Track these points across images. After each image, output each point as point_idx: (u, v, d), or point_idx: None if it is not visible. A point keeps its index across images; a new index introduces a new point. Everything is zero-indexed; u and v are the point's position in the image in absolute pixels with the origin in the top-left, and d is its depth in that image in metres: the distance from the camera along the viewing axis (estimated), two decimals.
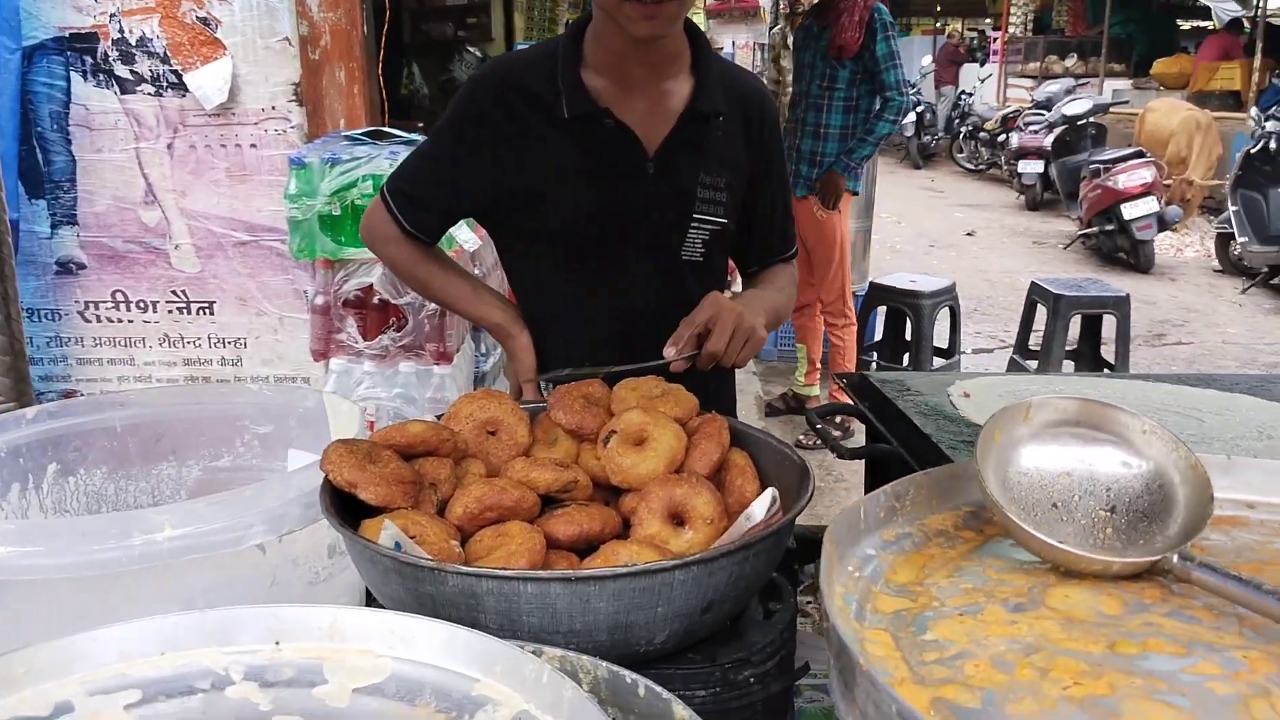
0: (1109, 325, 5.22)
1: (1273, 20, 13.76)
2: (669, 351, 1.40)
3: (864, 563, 0.72)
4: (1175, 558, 0.68)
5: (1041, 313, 5.28)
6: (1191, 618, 0.64)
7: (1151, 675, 0.57)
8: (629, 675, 0.74)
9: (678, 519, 1.07)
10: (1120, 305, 5.06)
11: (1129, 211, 8.49)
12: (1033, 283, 5.52)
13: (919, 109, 16.32)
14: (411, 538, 0.97)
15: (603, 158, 1.57)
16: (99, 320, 3.04)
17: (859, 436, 4.41)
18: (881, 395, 1.43)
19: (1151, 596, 0.68)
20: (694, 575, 0.89)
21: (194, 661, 0.75)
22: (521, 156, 1.59)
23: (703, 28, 7.53)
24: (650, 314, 1.61)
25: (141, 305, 3.02)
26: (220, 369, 3.05)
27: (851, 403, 1.51)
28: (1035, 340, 5.63)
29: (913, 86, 17.43)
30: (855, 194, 4.98)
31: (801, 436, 4.99)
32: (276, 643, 0.77)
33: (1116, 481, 0.77)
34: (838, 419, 1.40)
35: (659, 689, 0.71)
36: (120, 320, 3.03)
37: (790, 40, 5.26)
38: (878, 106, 4.66)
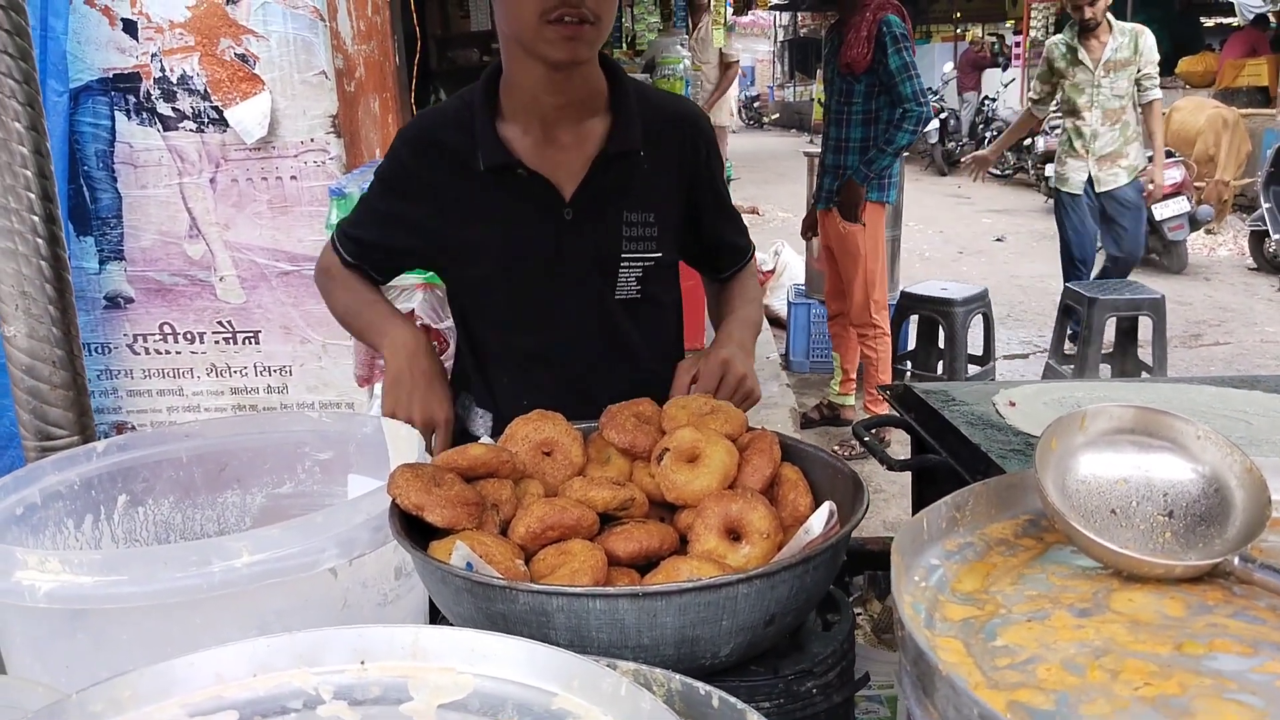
0: (1145, 327, 5.19)
1: None
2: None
3: (929, 572, 0.74)
4: (1236, 560, 0.70)
5: (1077, 316, 5.28)
6: (1256, 618, 0.66)
7: (1220, 675, 0.58)
8: (703, 687, 0.76)
9: (734, 534, 1.09)
10: (1156, 307, 5.04)
11: (1159, 212, 8.40)
12: (1066, 287, 5.51)
13: (942, 115, 16.29)
14: (479, 557, 1.00)
15: (519, 207, 1.60)
16: (147, 352, 3.11)
17: (895, 447, 4.41)
18: (927, 406, 1.44)
19: (1214, 599, 0.69)
20: (757, 589, 0.92)
21: (285, 682, 0.78)
22: (444, 209, 1.63)
23: (721, 43, 7.58)
24: (590, 355, 1.67)
25: (189, 337, 3.09)
26: (266, 397, 3.11)
27: (896, 414, 1.53)
28: (1071, 345, 5.61)
29: (935, 94, 17.43)
30: (886, 204, 4.95)
31: (837, 447, 4.99)
32: (362, 662, 0.80)
33: (1173, 486, 0.78)
34: (872, 429, 1.42)
35: (733, 700, 0.74)
36: (168, 352, 3.10)
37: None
38: (896, 117, 4.61)
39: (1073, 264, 5.89)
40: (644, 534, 1.09)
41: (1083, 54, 5.58)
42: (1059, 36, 5.75)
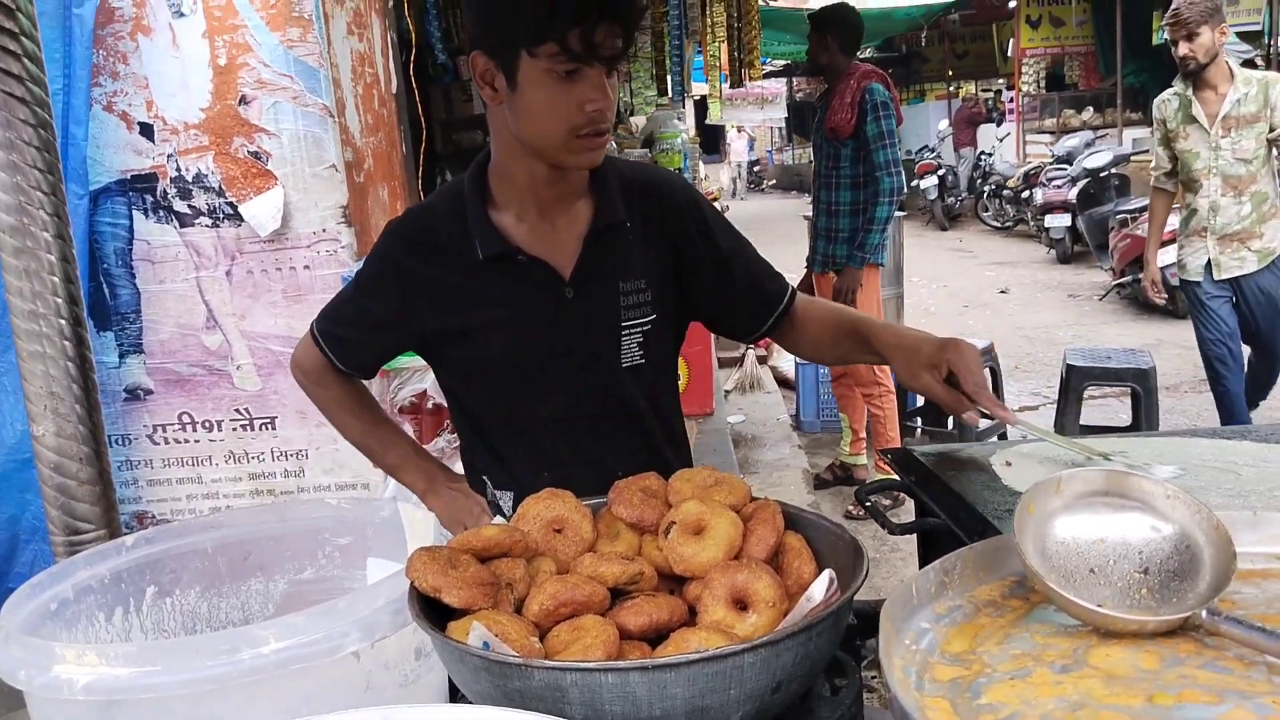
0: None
1: None
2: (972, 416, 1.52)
3: (920, 636, 0.79)
4: (1204, 613, 0.74)
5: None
6: (1224, 668, 0.70)
7: None
8: None
9: (741, 603, 1.13)
10: (1141, 378, 4.97)
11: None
12: (1065, 351, 5.48)
13: (940, 172, 16.53)
14: (496, 636, 1.04)
15: (521, 291, 1.66)
16: (167, 442, 3.17)
17: (910, 505, 4.43)
18: (925, 469, 1.49)
19: (1186, 650, 0.73)
20: (762, 657, 0.95)
21: None
22: (443, 301, 1.68)
23: (717, 114, 7.75)
24: (598, 424, 1.72)
25: (207, 425, 3.16)
26: (284, 481, 3.16)
27: (897, 478, 1.57)
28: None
29: (932, 151, 17.69)
30: (879, 266, 5.06)
31: (851, 508, 5.01)
32: None
33: (1148, 544, 0.82)
34: (874, 493, 1.45)
35: None
36: (187, 441, 3.17)
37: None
38: (873, 191, 4.77)
39: (1210, 365, 4.92)
40: (653, 607, 1.13)
41: (1197, 108, 4.61)
42: (1172, 90, 4.74)
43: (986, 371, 5.38)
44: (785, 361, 7.14)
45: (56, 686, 1.05)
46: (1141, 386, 4.97)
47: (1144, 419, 4.92)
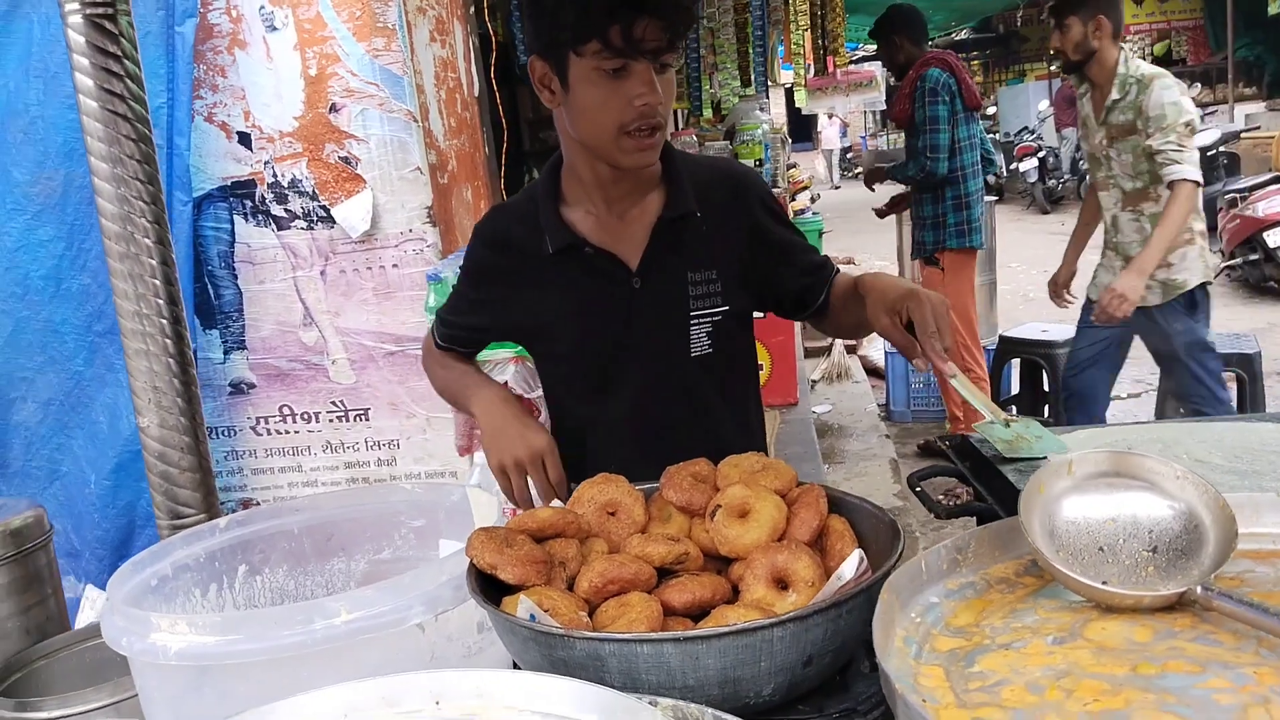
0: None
1: None
2: (920, 364, 1.48)
3: (927, 610, 0.82)
4: (1200, 589, 0.75)
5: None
6: (1215, 641, 0.71)
7: (1165, 691, 0.65)
8: (729, 719, 0.85)
9: (782, 583, 1.18)
10: (1246, 364, 4.77)
11: (1273, 239, 8.13)
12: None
13: (1040, 154, 16.03)
14: (545, 611, 1.11)
15: (590, 285, 1.71)
16: (269, 433, 3.35)
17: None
18: (980, 456, 1.50)
19: (1182, 625, 0.75)
20: (792, 632, 1.00)
21: None
22: (520, 295, 1.76)
23: (803, 101, 7.69)
24: (668, 416, 1.75)
25: (305, 417, 3.32)
26: (377, 469, 3.30)
27: (951, 464, 1.59)
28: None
29: (1032, 133, 17.17)
30: (973, 249, 5.09)
31: (941, 497, 4.96)
32: (436, 702, 0.92)
33: (1158, 524, 0.84)
34: (925, 479, 1.46)
35: None
36: (287, 432, 3.34)
37: None
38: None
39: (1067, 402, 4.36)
40: (697, 585, 1.19)
41: (1087, 110, 4.02)
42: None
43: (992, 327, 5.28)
44: (875, 351, 7.07)
45: (153, 652, 1.16)
46: (1246, 372, 4.78)
47: (1249, 405, 4.74)
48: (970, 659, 0.73)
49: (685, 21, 1.54)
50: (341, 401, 3.29)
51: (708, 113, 7.39)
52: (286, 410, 3.33)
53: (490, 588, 1.18)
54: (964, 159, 4.99)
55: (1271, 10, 14.11)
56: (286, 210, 3.21)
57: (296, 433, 3.33)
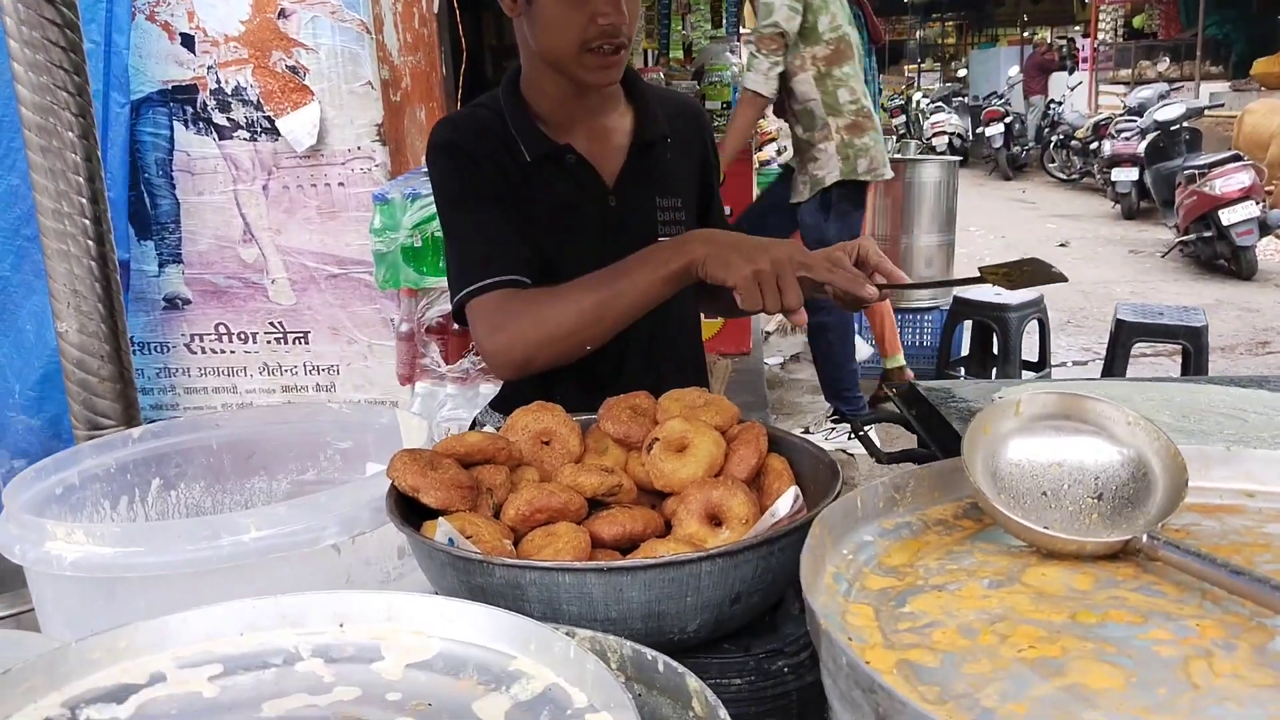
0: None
1: None
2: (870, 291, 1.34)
3: (860, 548, 0.78)
4: (1145, 537, 0.72)
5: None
6: (1158, 591, 0.68)
7: (1104, 640, 0.61)
8: (650, 653, 0.81)
9: (715, 519, 1.14)
10: (1193, 337, 4.84)
11: (1227, 217, 8.22)
12: (1117, 305, 5.37)
13: (1007, 120, 16.05)
14: (468, 537, 1.06)
15: (567, 195, 1.63)
16: (204, 352, 3.25)
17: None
18: (926, 403, 1.47)
19: (1124, 574, 0.72)
20: (720, 567, 0.96)
21: (269, 641, 0.85)
22: (508, 193, 1.63)
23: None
24: (638, 338, 1.68)
25: (242, 337, 3.22)
26: (315, 394, 3.23)
27: (898, 411, 1.56)
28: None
29: (1000, 97, 17.18)
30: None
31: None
32: (340, 625, 0.87)
33: (1105, 470, 0.81)
34: (871, 424, 1.42)
35: (675, 664, 0.78)
36: (223, 351, 3.24)
37: None
38: None
39: None
40: (628, 518, 1.14)
41: None
42: None
43: (1038, 327, 5.36)
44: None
45: (47, 561, 1.09)
46: (1192, 345, 4.83)
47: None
48: (902, 599, 0.70)
49: None
50: (281, 323, 3.20)
51: (676, 53, 7.25)
52: (223, 329, 3.23)
53: (412, 512, 1.12)
54: (870, 90, 5.12)
55: None
56: (229, 119, 3.08)
57: (232, 353, 3.24)
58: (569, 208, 1.64)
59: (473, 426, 1.96)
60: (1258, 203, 8.29)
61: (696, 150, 1.75)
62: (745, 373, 5.24)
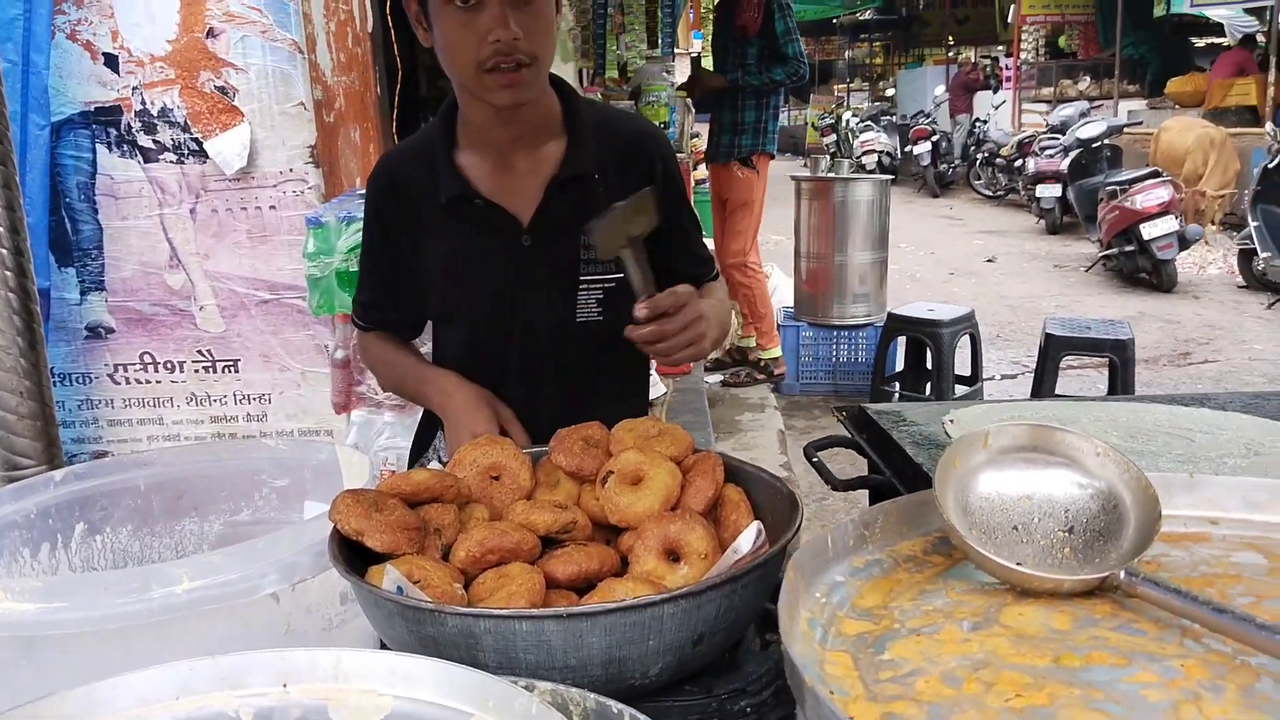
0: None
1: None
2: (640, 311, 1.39)
3: (832, 589, 0.76)
4: (1123, 574, 0.71)
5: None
6: (1137, 630, 0.67)
7: (1090, 685, 0.60)
8: (615, 705, 0.77)
9: (673, 555, 1.11)
10: (1119, 350, 4.96)
11: (1148, 231, 8.48)
12: (1045, 320, 5.48)
13: (934, 138, 16.38)
14: (416, 582, 1.01)
15: (479, 237, 1.62)
16: (128, 382, 3.13)
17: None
18: (877, 426, 1.46)
19: (1102, 612, 0.71)
20: (683, 608, 0.93)
21: (207, 705, 0.80)
22: (416, 244, 1.66)
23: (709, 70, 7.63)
24: (556, 380, 1.67)
25: (169, 366, 3.11)
26: (246, 425, 3.12)
27: (848, 434, 1.55)
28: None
29: (927, 116, 17.54)
30: (772, 156, 5.79)
31: (728, 377, 6.03)
32: (284, 685, 0.82)
33: (1075, 503, 0.80)
34: (823, 449, 1.40)
35: (641, 717, 0.75)
36: (148, 381, 3.12)
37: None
38: (783, 69, 5.52)
39: None
40: (583, 556, 1.11)
41: None
42: None
43: (969, 342, 5.48)
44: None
45: None
46: (1119, 357, 4.95)
47: (1120, 390, 4.92)
48: (880, 645, 0.67)
49: None
50: (209, 351, 3.09)
51: (612, 72, 7.25)
52: (148, 358, 3.11)
53: (356, 555, 1.07)
54: (757, 81, 5.57)
55: (1157, 12, 14.70)
56: (155, 141, 2.98)
57: (158, 383, 3.11)
58: (482, 246, 1.63)
59: (416, 451, 1.91)
60: (1176, 217, 8.56)
61: (641, 182, 1.64)
62: (686, 392, 5.23)
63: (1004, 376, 6.64)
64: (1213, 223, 10.61)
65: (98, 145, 3.00)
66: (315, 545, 1.11)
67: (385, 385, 1.87)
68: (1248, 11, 13.96)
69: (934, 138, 16.41)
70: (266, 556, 1.07)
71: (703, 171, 7.85)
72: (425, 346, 1.94)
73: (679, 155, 6.03)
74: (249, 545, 1.08)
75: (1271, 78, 11.87)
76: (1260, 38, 13.27)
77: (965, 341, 5.64)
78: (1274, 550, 0.81)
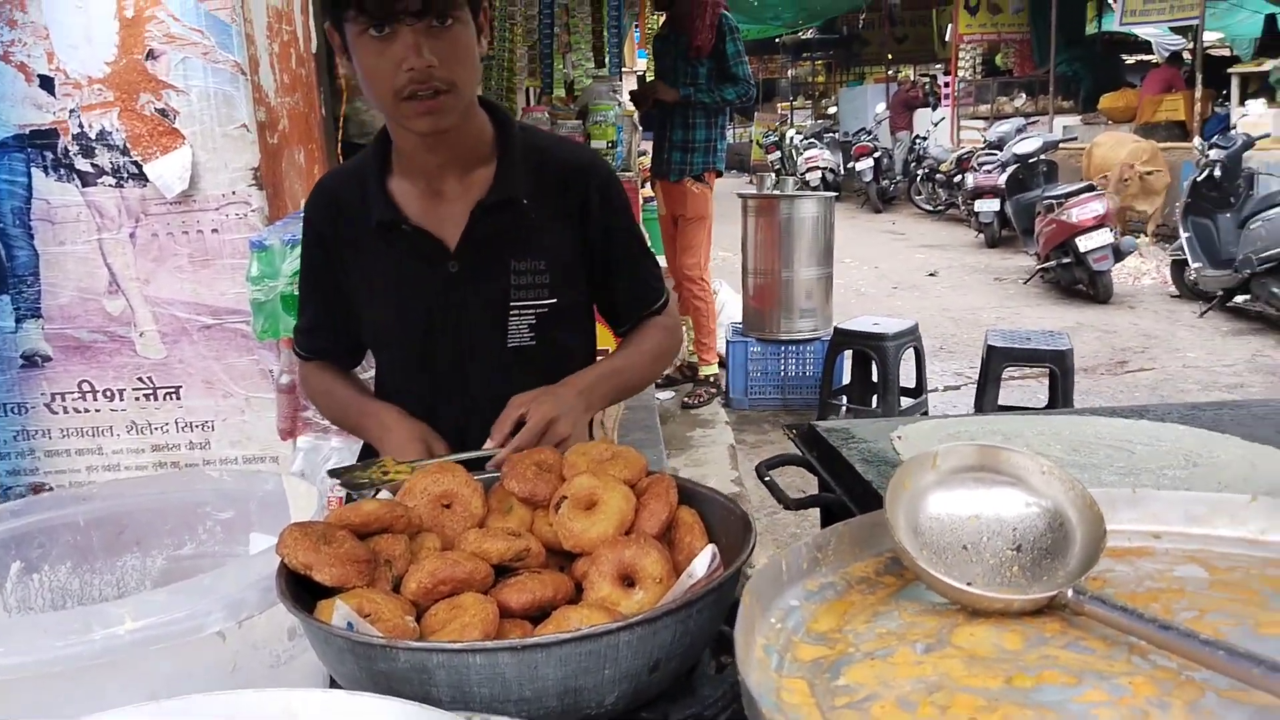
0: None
1: (1211, 52, 14.22)
2: (488, 446, 1.46)
3: (787, 614, 0.76)
4: (1070, 592, 0.73)
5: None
6: (1086, 648, 0.69)
7: (1043, 706, 0.61)
8: None
9: (628, 580, 1.10)
10: (1059, 360, 5.07)
11: (1084, 244, 8.68)
12: (986, 332, 5.59)
13: (876, 155, 16.65)
14: (366, 616, 0.99)
15: (407, 263, 1.62)
16: (66, 411, 3.04)
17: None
18: (827, 444, 1.47)
19: (1052, 630, 0.72)
20: (639, 636, 0.93)
21: None
22: (349, 267, 1.66)
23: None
24: (490, 406, 1.60)
25: (108, 394, 3.03)
26: (189, 453, 3.05)
27: (799, 453, 1.56)
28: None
29: (869, 133, 17.82)
30: (720, 174, 5.98)
31: (686, 398, 6.09)
32: None
33: (1022, 521, 0.81)
34: (774, 468, 1.43)
35: None
36: (87, 410, 3.04)
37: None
38: (734, 88, 5.70)
39: None
40: (537, 584, 1.10)
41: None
42: None
43: (914, 355, 5.58)
44: (717, 341, 7.14)
45: None
46: (1059, 368, 5.06)
47: (1060, 400, 5.02)
48: (836, 670, 0.68)
49: None
50: (150, 378, 3.01)
51: (560, 91, 7.26)
52: (87, 386, 3.03)
53: (305, 590, 1.05)
54: (709, 98, 5.74)
55: (1089, 30, 15.10)
56: (93, 165, 2.91)
57: (98, 411, 3.03)
58: (409, 272, 1.63)
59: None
60: (1111, 230, 8.78)
61: (574, 208, 1.66)
62: (637, 410, 5.24)
63: (948, 388, 6.75)
64: (1146, 234, 10.91)
65: (33, 169, 2.92)
66: (262, 580, 1.09)
67: (326, 417, 1.87)
68: (1173, 30, 14.44)
69: (876, 154, 16.66)
70: (211, 593, 1.05)
71: (650, 189, 7.90)
72: (370, 373, 1.92)
73: (627, 174, 6.09)
74: (194, 582, 1.06)
75: (1198, 94, 12.26)
76: (1186, 55, 13.71)
77: (910, 354, 5.73)
78: (1214, 562, 0.83)
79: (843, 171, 17.41)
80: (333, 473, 1.35)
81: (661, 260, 6.62)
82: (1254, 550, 0.84)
